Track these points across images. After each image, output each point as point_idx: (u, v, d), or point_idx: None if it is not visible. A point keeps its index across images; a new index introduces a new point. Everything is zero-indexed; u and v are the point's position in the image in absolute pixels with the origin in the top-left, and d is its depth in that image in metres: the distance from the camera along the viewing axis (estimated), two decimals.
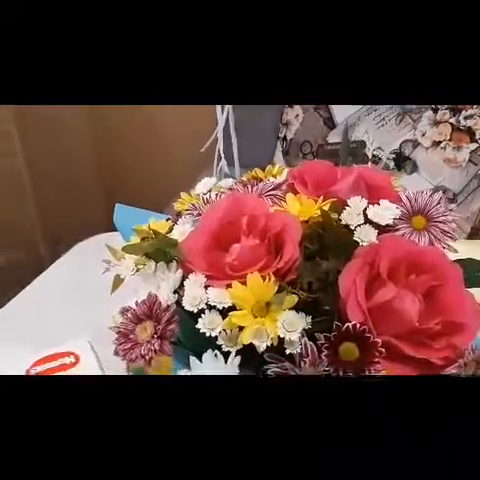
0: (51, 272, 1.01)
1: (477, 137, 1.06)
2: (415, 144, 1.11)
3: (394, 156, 1.14)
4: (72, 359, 0.57)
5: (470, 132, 1.06)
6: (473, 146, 1.06)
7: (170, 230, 0.58)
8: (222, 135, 1.10)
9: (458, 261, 0.58)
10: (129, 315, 0.53)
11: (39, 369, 0.55)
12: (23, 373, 0.56)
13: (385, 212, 0.55)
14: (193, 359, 0.50)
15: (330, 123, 1.19)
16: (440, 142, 1.09)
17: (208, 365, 0.50)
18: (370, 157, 1.16)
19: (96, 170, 1.67)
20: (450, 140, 1.08)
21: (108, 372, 0.57)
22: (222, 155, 1.07)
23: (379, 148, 1.14)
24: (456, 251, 0.57)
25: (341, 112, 1.19)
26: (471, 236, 1.12)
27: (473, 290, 0.57)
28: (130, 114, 1.55)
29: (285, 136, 1.25)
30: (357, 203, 0.55)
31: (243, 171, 1.12)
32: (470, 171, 1.09)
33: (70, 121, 1.55)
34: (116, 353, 0.52)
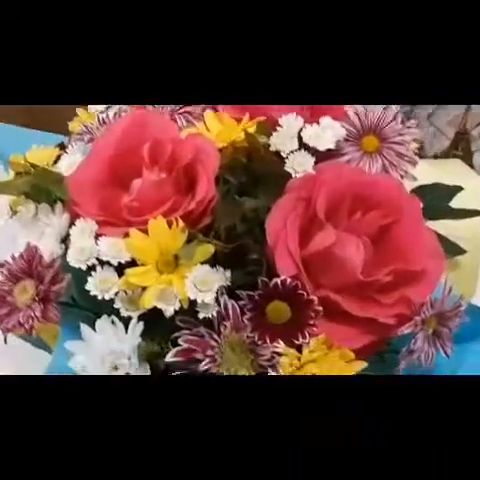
0: None
1: None
2: None
3: None
4: None
5: None
6: None
7: (57, 160, 0.52)
8: None
9: (421, 188, 0.55)
10: (5, 272, 0.48)
11: None
12: None
13: (325, 133, 0.50)
14: (85, 327, 0.47)
15: None
16: None
17: (103, 334, 0.47)
18: None
19: None
20: None
21: None
22: None
23: None
24: (415, 178, 0.53)
25: None
26: (455, 143, 1.07)
27: (440, 223, 0.53)
28: None
29: None
30: (290, 122, 0.51)
31: None
32: None
33: None
34: None
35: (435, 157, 1.04)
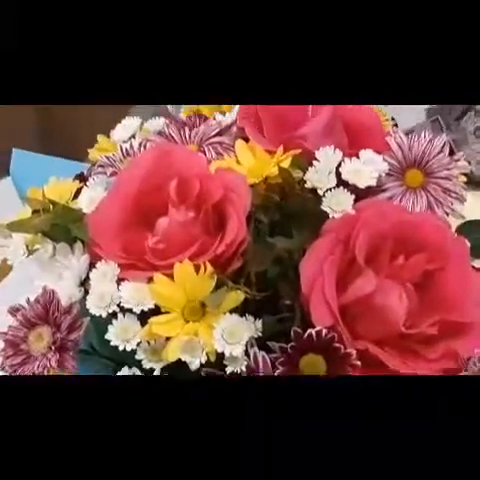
0: None
1: None
2: None
3: None
4: None
5: None
6: None
7: (77, 194, 0.51)
8: None
9: (468, 223, 0.54)
10: (19, 317, 0.47)
11: None
12: None
13: (366, 168, 0.49)
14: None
15: None
16: None
17: None
18: None
19: None
20: None
21: None
22: None
23: None
24: (463, 217, 0.51)
25: None
26: None
27: None
28: None
29: None
30: (328, 156, 0.50)
31: None
32: None
33: None
34: (3, 368, 0.47)
35: None
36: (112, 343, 0.45)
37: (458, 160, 0.52)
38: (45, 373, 0.46)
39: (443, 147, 0.51)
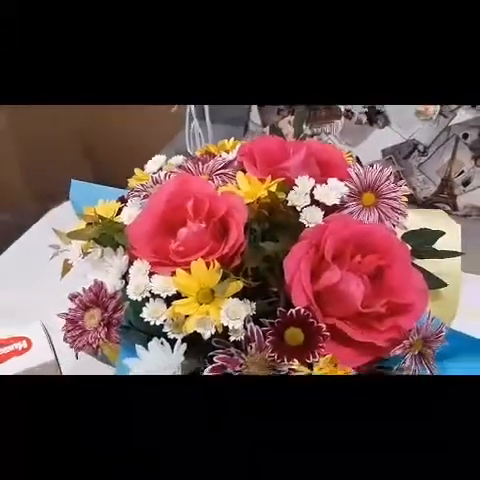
0: (21, 242, 0.95)
1: None
2: None
3: (366, 110, 1.09)
4: (24, 344, 0.54)
5: None
6: None
7: (119, 212, 0.53)
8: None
9: (411, 232, 0.55)
10: (77, 302, 0.49)
11: None
12: None
13: (332, 192, 0.51)
14: (139, 347, 0.48)
15: None
16: None
17: (154, 352, 0.47)
18: (343, 112, 1.10)
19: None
20: None
21: (61, 358, 0.53)
22: (193, 113, 1.00)
23: None
24: (405, 228, 0.53)
25: None
26: (441, 188, 1.07)
27: (425, 261, 0.54)
28: None
29: None
30: (304, 182, 0.51)
31: (216, 127, 1.07)
32: (440, 123, 1.04)
33: None
34: (65, 340, 0.49)
35: (424, 199, 1.04)
36: (145, 320, 0.47)
37: (401, 186, 0.54)
38: (96, 343, 0.48)
39: (389, 176, 0.53)
